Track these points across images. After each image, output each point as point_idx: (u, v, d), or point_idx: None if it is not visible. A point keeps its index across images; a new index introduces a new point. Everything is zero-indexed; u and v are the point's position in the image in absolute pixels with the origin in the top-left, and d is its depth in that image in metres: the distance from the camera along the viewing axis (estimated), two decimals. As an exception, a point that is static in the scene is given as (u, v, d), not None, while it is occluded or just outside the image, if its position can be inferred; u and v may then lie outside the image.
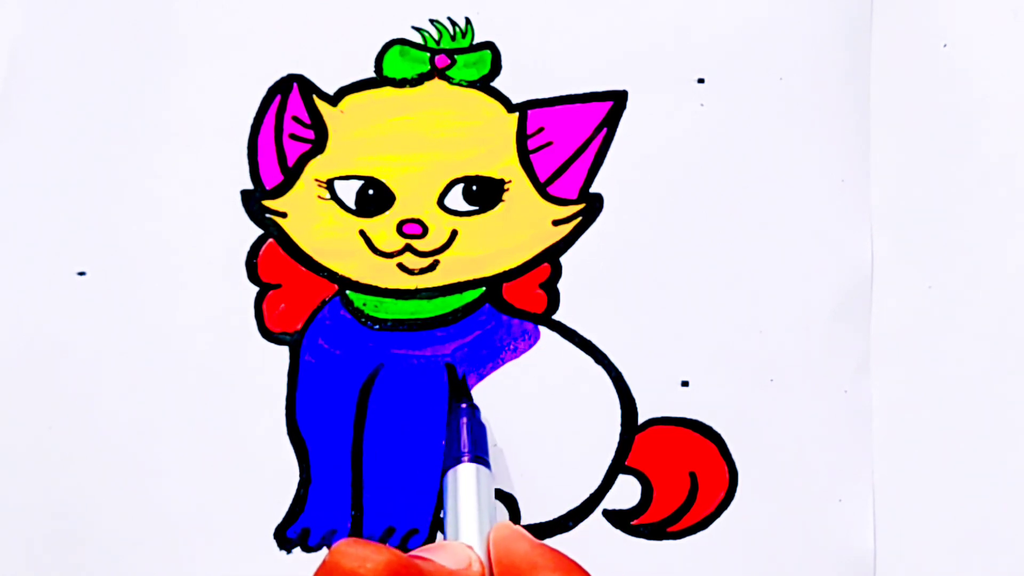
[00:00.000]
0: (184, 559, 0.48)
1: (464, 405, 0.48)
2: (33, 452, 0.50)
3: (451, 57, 0.53)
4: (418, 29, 0.54)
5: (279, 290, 0.51)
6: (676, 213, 0.51)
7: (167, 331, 0.51)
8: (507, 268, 0.51)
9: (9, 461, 0.50)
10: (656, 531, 0.48)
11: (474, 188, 0.52)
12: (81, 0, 0.55)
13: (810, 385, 0.49)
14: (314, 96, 0.53)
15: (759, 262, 0.51)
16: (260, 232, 0.52)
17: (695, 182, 0.52)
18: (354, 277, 0.51)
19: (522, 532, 0.43)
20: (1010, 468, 0.49)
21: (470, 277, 0.51)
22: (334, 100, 0.53)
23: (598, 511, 0.49)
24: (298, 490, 0.49)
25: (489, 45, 0.53)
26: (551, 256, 0.51)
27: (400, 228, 0.51)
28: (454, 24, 0.54)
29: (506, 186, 0.52)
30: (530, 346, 0.50)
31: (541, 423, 0.49)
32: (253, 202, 0.52)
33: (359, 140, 0.53)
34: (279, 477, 0.49)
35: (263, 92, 0.53)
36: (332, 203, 0.52)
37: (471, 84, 0.53)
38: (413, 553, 0.41)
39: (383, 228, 0.51)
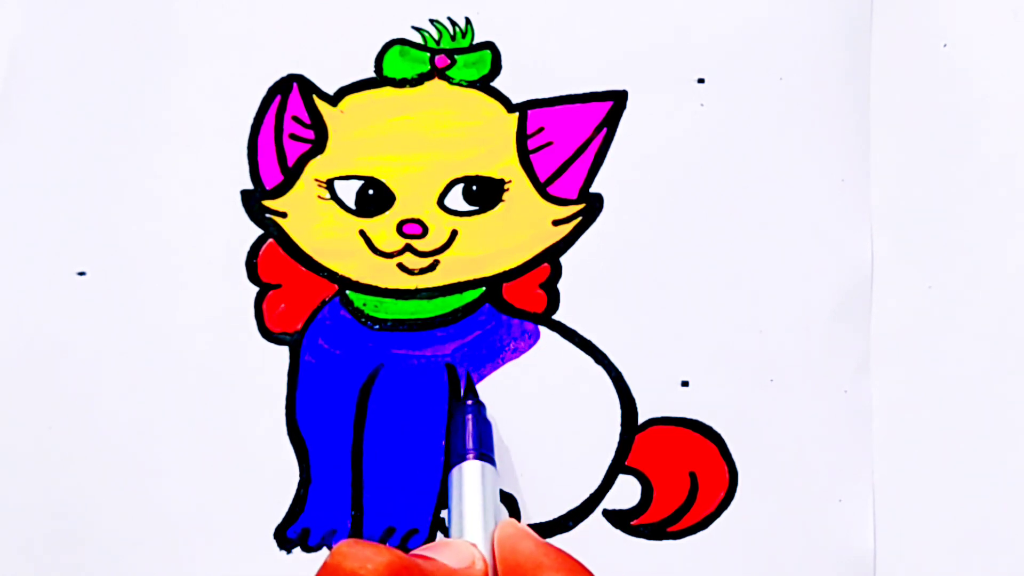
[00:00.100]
0: (184, 559, 0.48)
1: (470, 402, 0.48)
2: (33, 452, 0.50)
3: (451, 57, 0.53)
4: (418, 29, 0.54)
5: (279, 290, 0.51)
6: (676, 213, 0.51)
7: (167, 331, 0.51)
8: (507, 268, 0.51)
9: (9, 461, 0.50)
10: (656, 531, 0.48)
11: (474, 188, 0.52)
12: (81, 0, 0.55)
13: (810, 385, 0.49)
14: (314, 96, 0.53)
15: (759, 262, 0.51)
16: (260, 232, 0.52)
17: (695, 182, 0.52)
18: (354, 277, 0.51)
19: (527, 530, 0.43)
20: (1010, 468, 0.49)
21: (470, 277, 0.51)
22: (334, 100, 0.53)
23: (598, 511, 0.49)
24: (298, 490, 0.49)
25: (489, 45, 0.53)
26: (551, 256, 0.51)
27: (400, 228, 0.51)
28: (454, 24, 0.54)
29: (506, 186, 0.52)
30: (530, 346, 0.50)
31: (541, 423, 0.49)
32: (253, 202, 0.52)
33: (359, 140, 0.53)
34: (279, 477, 0.49)
35: (263, 92, 0.53)
36: (332, 203, 0.52)
37: (471, 84, 0.53)
38: (416, 552, 0.41)
39: (383, 228, 0.51)
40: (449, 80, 0.53)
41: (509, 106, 0.53)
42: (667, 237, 0.51)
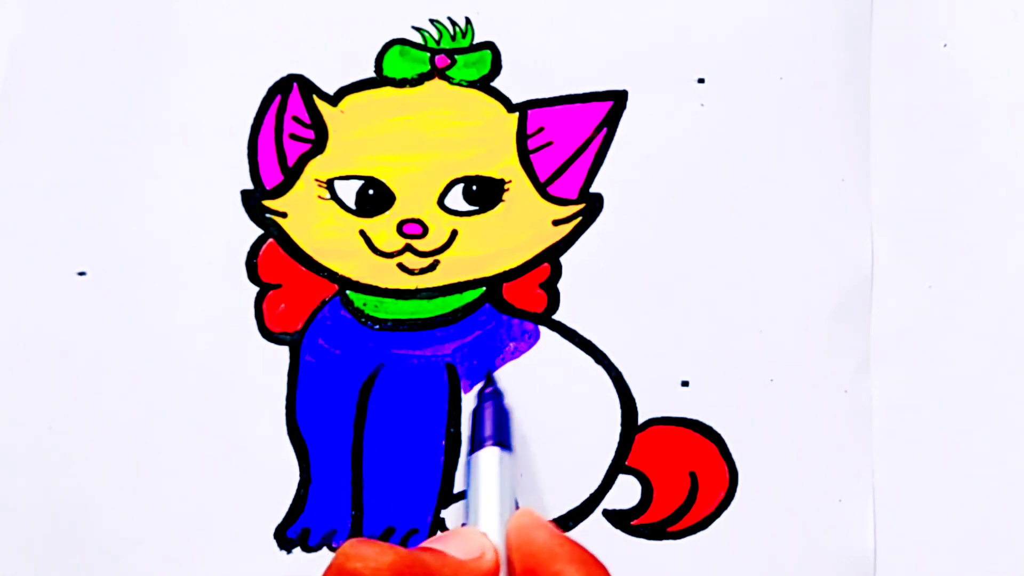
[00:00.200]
0: (184, 559, 0.48)
1: (489, 390, 0.48)
2: (33, 452, 0.50)
3: (451, 57, 0.53)
4: (418, 29, 0.54)
5: (279, 290, 0.51)
6: (676, 213, 0.51)
7: (167, 331, 0.51)
8: (507, 268, 0.51)
9: (9, 461, 0.50)
10: (656, 531, 0.48)
11: (474, 188, 0.52)
12: (81, 0, 0.55)
13: (810, 385, 0.49)
14: (314, 96, 0.53)
15: (759, 262, 0.51)
16: (260, 232, 0.52)
17: (695, 182, 0.52)
18: (354, 277, 0.51)
19: (542, 520, 0.43)
20: (1010, 468, 0.49)
21: (470, 277, 0.51)
22: (334, 100, 0.53)
23: (598, 511, 0.49)
24: (298, 490, 0.49)
25: (489, 45, 0.53)
26: (551, 256, 0.51)
27: (400, 228, 0.51)
28: (454, 24, 0.54)
29: (506, 186, 0.52)
30: (530, 346, 0.50)
31: (541, 423, 0.49)
32: (253, 202, 0.52)
33: (359, 140, 0.53)
34: (279, 477, 0.49)
35: (263, 92, 0.53)
36: (332, 203, 0.52)
37: (471, 84, 0.53)
38: (425, 544, 0.41)
39: (383, 228, 0.51)
40: (449, 80, 0.53)
41: (509, 106, 0.53)
42: (667, 237, 0.51)
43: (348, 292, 0.51)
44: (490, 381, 0.49)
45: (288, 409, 0.50)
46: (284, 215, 0.52)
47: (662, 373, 0.50)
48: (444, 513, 0.49)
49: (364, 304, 0.51)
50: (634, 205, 0.52)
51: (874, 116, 0.52)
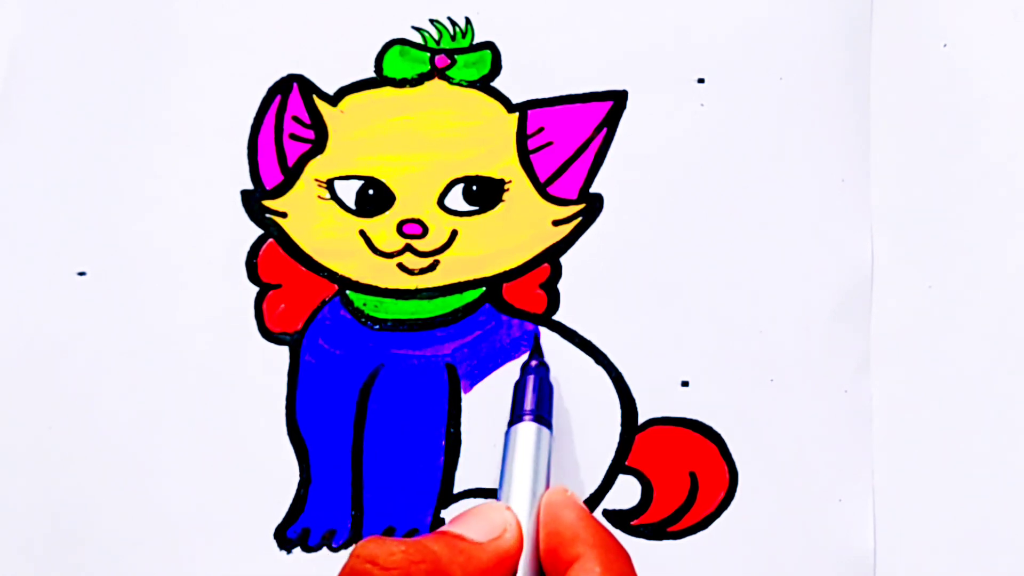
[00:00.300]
0: (184, 559, 0.48)
1: (534, 363, 0.48)
2: (33, 452, 0.50)
3: (451, 57, 0.53)
4: (418, 29, 0.54)
5: (279, 290, 0.51)
6: (676, 213, 0.51)
7: (167, 331, 0.51)
8: (507, 268, 0.51)
9: (9, 461, 0.50)
10: (656, 531, 0.48)
11: (474, 188, 0.52)
12: (81, 0, 0.55)
13: (810, 385, 0.49)
14: (314, 96, 0.53)
15: (759, 262, 0.51)
16: (260, 232, 0.52)
17: (695, 182, 0.52)
18: (354, 277, 0.51)
19: (574, 500, 0.43)
20: (1010, 468, 0.49)
21: (470, 277, 0.51)
22: (334, 100, 0.53)
23: (598, 511, 0.49)
24: (298, 490, 0.49)
25: (489, 45, 0.53)
26: (551, 256, 0.51)
27: (400, 228, 0.51)
28: (454, 24, 0.54)
29: (506, 186, 0.52)
30: (530, 346, 0.50)
31: (541, 423, 0.49)
32: (253, 202, 0.52)
33: (359, 140, 0.53)
34: (279, 477, 0.49)
35: (263, 92, 0.53)
36: (332, 203, 0.52)
37: (471, 84, 0.53)
38: (443, 528, 0.41)
39: (383, 228, 0.51)
40: (449, 80, 0.53)
41: (509, 106, 0.53)
42: (667, 237, 0.51)
43: (348, 292, 0.51)
44: (537, 353, 0.49)
45: (288, 409, 0.50)
46: (284, 215, 0.52)
47: (662, 373, 0.50)
48: (444, 513, 0.49)
49: (364, 304, 0.51)
50: (634, 205, 0.52)
51: (874, 116, 0.52)
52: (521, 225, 0.51)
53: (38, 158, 0.53)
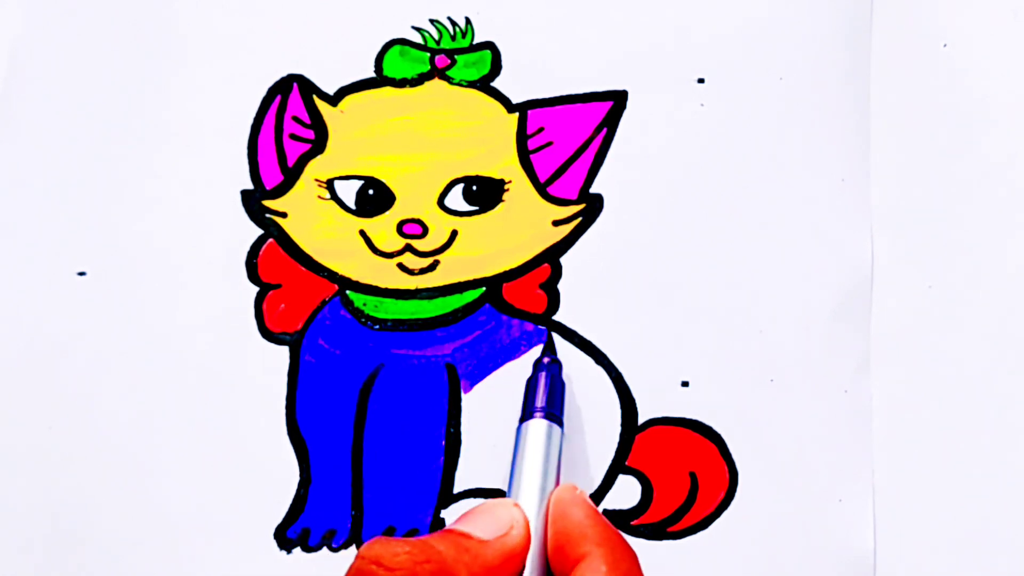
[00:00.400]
0: (184, 559, 0.48)
1: (547, 360, 0.48)
2: (33, 452, 0.50)
3: (451, 57, 0.53)
4: (418, 29, 0.54)
5: (279, 290, 0.51)
6: (676, 213, 0.51)
7: (167, 331, 0.51)
8: (507, 268, 0.51)
9: (9, 461, 0.50)
10: (656, 531, 0.48)
11: (474, 188, 0.52)
12: (81, 0, 0.55)
13: (810, 385, 0.49)
14: (314, 96, 0.53)
15: (759, 262, 0.51)
16: (260, 232, 0.52)
17: (695, 182, 0.52)
18: (354, 277, 0.51)
19: (582, 498, 0.43)
20: (1010, 468, 0.49)
21: (470, 277, 0.51)
22: (334, 100, 0.53)
23: (598, 511, 0.49)
24: (298, 490, 0.49)
25: (489, 45, 0.53)
26: (551, 256, 0.51)
27: (400, 228, 0.51)
28: (454, 24, 0.54)
29: (506, 186, 0.52)
30: (530, 346, 0.50)
31: (541, 423, 0.49)
32: (253, 202, 0.52)
33: (359, 140, 0.53)
34: (279, 477, 0.49)
35: (263, 92, 0.53)
36: (332, 203, 0.52)
37: (471, 84, 0.53)
38: (450, 526, 0.41)
39: (383, 228, 0.51)
40: (449, 80, 0.53)
41: (509, 106, 0.53)
42: (667, 237, 0.51)
43: (348, 292, 0.51)
44: (549, 350, 0.49)
45: (288, 409, 0.50)
46: (284, 215, 0.52)
47: (662, 373, 0.50)
48: (444, 513, 0.49)
49: (364, 304, 0.51)
50: (634, 205, 0.52)
51: (874, 116, 0.52)
52: (521, 225, 0.51)
53: (38, 158, 0.53)
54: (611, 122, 0.52)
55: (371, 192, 0.52)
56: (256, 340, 0.51)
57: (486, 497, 0.48)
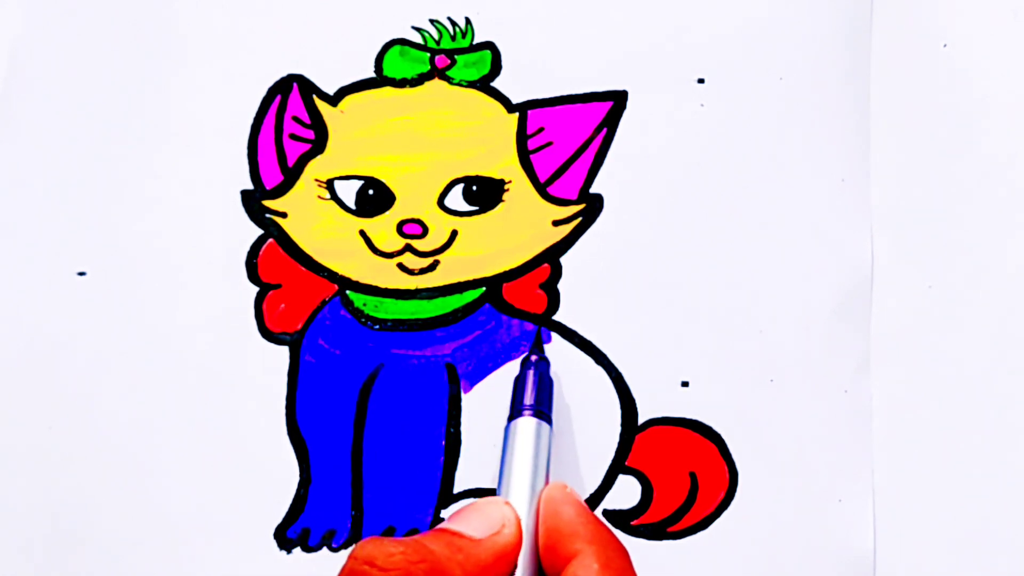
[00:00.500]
0: (184, 559, 0.48)
1: (534, 358, 0.48)
2: (33, 452, 0.50)
3: (451, 57, 0.53)
4: (418, 29, 0.54)
5: (279, 290, 0.51)
6: (676, 213, 0.51)
7: (167, 331, 0.51)
8: (507, 268, 0.51)
9: (9, 461, 0.50)
10: (656, 531, 0.48)
11: (474, 188, 0.52)
12: (81, 0, 0.55)
13: (810, 385, 0.49)
14: (314, 96, 0.53)
15: (759, 262, 0.51)
16: (260, 232, 0.52)
17: (695, 182, 0.52)
18: (354, 277, 0.51)
19: (573, 496, 0.43)
20: (1010, 468, 0.49)
21: (470, 277, 0.51)
22: (334, 100, 0.53)
23: (598, 511, 0.49)
24: (298, 490, 0.49)
25: (489, 45, 0.53)
26: (551, 256, 0.51)
27: (400, 228, 0.51)
28: (454, 24, 0.54)
29: (506, 186, 0.52)
30: (530, 346, 0.50)
31: (541, 423, 0.49)
32: (253, 202, 0.52)
33: (359, 140, 0.53)
34: (279, 477, 0.49)
35: (263, 92, 0.53)
36: (332, 203, 0.52)
37: (471, 84, 0.53)
38: (442, 526, 0.41)
39: (383, 228, 0.51)
40: (449, 80, 0.53)
41: (509, 106, 0.53)
42: (667, 237, 0.51)
43: (348, 292, 0.51)
44: (537, 347, 0.49)
45: (288, 409, 0.50)
46: (284, 215, 0.52)
47: (662, 373, 0.50)
48: (444, 513, 0.48)
49: (364, 304, 0.51)
50: (634, 205, 0.52)
51: (874, 116, 0.52)
52: (521, 225, 0.51)
53: (38, 158, 0.53)
54: (611, 122, 0.52)
55: (371, 192, 0.52)
56: (256, 340, 0.51)
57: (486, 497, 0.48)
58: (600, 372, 0.50)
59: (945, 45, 0.53)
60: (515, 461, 0.44)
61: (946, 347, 0.50)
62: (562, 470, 0.49)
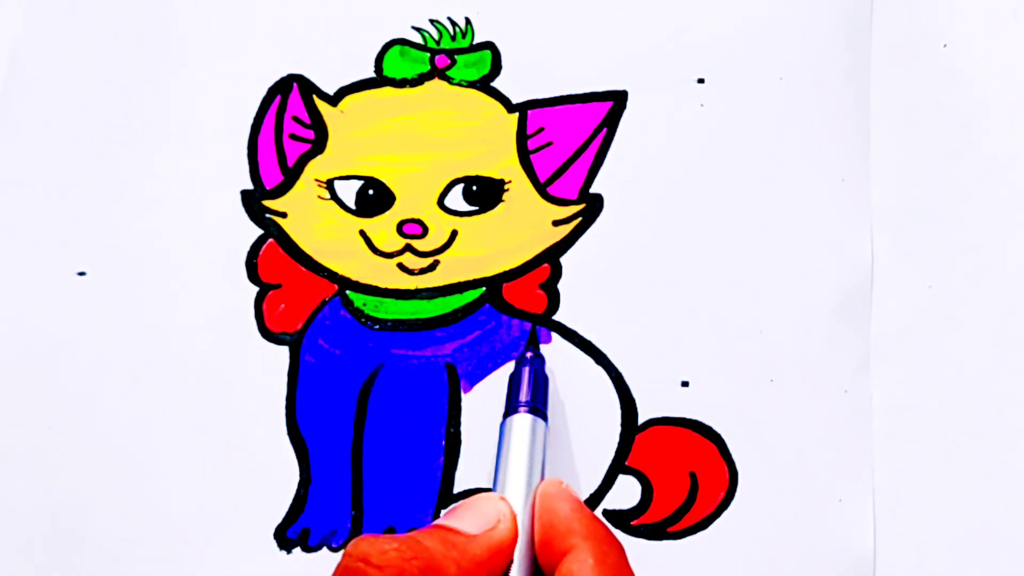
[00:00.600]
0: (184, 559, 0.48)
1: (529, 354, 0.48)
2: (33, 452, 0.50)
3: (451, 57, 0.53)
4: (418, 29, 0.54)
5: (279, 290, 0.51)
6: (676, 213, 0.51)
7: (167, 331, 0.51)
8: (507, 268, 0.51)
9: (9, 461, 0.50)
10: (656, 531, 0.48)
11: (474, 188, 0.52)
12: (81, 0, 0.55)
13: (810, 385, 0.49)
14: (314, 96, 0.53)
15: (759, 262, 0.51)
16: (260, 232, 0.52)
17: (695, 182, 0.52)
18: (354, 277, 0.51)
19: (568, 492, 0.43)
20: (1010, 468, 0.49)
21: (470, 277, 0.51)
22: (334, 100, 0.53)
23: (598, 511, 0.49)
24: (298, 490, 0.49)
25: (489, 45, 0.53)
26: (551, 256, 0.51)
27: (400, 228, 0.51)
28: (454, 24, 0.54)
29: (506, 186, 0.52)
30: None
31: (541, 423, 0.49)
32: (253, 202, 0.52)
33: (359, 140, 0.53)
34: (279, 477, 0.49)
35: (263, 92, 0.53)
36: (332, 203, 0.52)
37: (471, 84, 0.53)
38: (437, 522, 0.41)
39: (383, 228, 0.51)
40: (449, 80, 0.53)
41: (509, 106, 0.53)
42: (667, 237, 0.51)
43: (348, 292, 0.51)
44: (532, 345, 0.49)
45: (288, 409, 0.50)
46: (284, 215, 0.52)
47: (662, 373, 0.50)
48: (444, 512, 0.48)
49: (364, 304, 0.51)
50: (634, 205, 0.52)
51: (874, 116, 0.52)
52: (521, 225, 0.51)
53: (38, 158, 0.53)
54: (611, 122, 0.52)
55: (371, 192, 0.52)
56: (256, 340, 0.51)
57: (486, 497, 0.48)
58: (600, 372, 0.50)
59: (945, 45, 0.53)
60: (511, 457, 0.44)
61: (946, 347, 0.50)
62: (562, 470, 0.49)
